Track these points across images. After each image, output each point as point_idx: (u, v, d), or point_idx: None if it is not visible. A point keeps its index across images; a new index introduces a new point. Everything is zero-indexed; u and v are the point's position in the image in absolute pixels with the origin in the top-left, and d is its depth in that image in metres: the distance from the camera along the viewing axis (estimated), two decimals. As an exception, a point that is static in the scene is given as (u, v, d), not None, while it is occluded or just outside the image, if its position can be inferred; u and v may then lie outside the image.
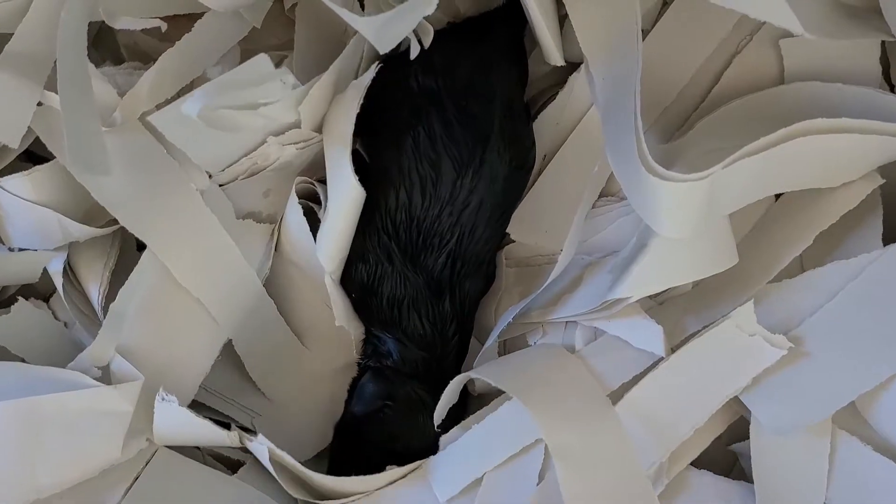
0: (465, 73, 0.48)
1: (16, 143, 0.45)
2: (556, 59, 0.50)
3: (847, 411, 0.43)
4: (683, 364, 0.44)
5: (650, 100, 0.50)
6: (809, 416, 0.42)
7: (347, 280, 0.51)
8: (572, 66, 0.51)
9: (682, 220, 0.42)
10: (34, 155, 0.51)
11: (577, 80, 0.51)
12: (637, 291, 0.44)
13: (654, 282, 0.44)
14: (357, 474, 0.47)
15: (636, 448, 0.44)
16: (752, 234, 0.48)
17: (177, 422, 0.45)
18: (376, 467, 0.48)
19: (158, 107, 0.46)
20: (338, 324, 0.51)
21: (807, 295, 0.44)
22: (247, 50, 0.50)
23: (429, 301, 0.50)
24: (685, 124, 0.51)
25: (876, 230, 0.45)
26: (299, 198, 0.51)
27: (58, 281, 0.50)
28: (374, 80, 0.47)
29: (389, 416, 0.50)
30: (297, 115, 0.46)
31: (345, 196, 0.47)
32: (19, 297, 0.51)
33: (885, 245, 0.44)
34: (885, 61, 0.48)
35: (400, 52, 0.48)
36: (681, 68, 0.50)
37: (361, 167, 0.48)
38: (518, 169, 0.50)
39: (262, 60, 0.43)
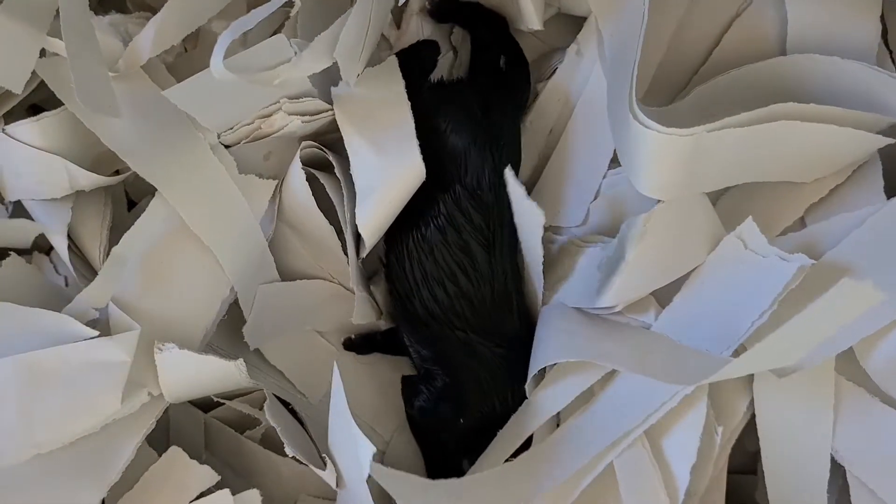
0: (478, 162, 0.49)
1: (19, 88, 0.46)
2: (534, 22, 0.50)
3: (850, 363, 0.42)
4: (696, 296, 0.44)
5: (652, 61, 0.50)
6: (811, 359, 0.41)
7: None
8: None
9: (659, 176, 0.42)
10: (40, 109, 0.51)
11: (574, 54, 0.51)
12: (622, 300, 0.45)
13: (637, 289, 0.45)
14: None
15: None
16: (745, 203, 0.47)
17: (181, 366, 0.45)
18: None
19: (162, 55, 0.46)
20: (352, 284, 0.51)
21: (811, 244, 0.43)
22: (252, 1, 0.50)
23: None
24: (685, 89, 0.51)
25: (877, 184, 0.45)
26: (302, 163, 0.51)
27: (57, 240, 0.50)
28: None
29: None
30: (310, 84, 0.47)
31: (404, 172, 0.47)
32: (11, 252, 0.51)
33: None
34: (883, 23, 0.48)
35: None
36: (682, 30, 0.50)
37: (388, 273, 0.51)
38: None
39: (280, 41, 0.43)
